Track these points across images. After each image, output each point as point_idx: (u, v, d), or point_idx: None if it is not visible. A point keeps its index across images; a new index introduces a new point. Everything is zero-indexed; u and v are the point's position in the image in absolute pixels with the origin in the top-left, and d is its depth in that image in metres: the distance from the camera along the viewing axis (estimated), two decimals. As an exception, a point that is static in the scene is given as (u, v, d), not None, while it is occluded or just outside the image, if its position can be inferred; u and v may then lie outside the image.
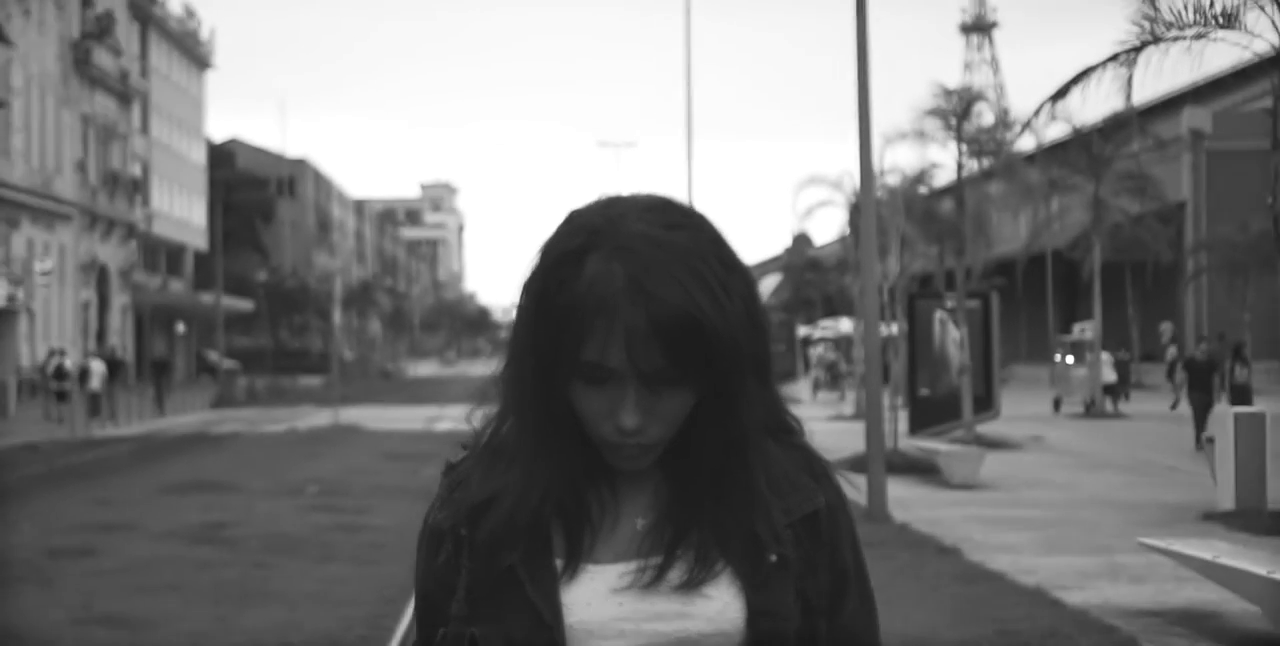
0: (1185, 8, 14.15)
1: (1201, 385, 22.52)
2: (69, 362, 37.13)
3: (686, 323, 1.62)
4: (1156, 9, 14.15)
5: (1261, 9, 13.83)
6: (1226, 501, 14.38)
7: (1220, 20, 14.02)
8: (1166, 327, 52.98)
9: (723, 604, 1.67)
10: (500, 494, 1.71)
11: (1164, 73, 13.97)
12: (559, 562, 1.69)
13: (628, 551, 1.70)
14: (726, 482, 1.70)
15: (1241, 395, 21.08)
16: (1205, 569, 8.57)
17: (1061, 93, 15.66)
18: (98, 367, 37.65)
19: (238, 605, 9.47)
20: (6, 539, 12.84)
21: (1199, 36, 14.16)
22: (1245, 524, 13.46)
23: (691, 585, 1.67)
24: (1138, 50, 14.11)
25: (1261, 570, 7.76)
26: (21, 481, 18.34)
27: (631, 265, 1.63)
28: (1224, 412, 15.07)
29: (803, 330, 64.09)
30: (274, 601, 9.61)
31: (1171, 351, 21.96)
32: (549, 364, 1.66)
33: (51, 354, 38.51)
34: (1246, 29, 13.92)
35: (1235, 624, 8.61)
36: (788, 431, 1.79)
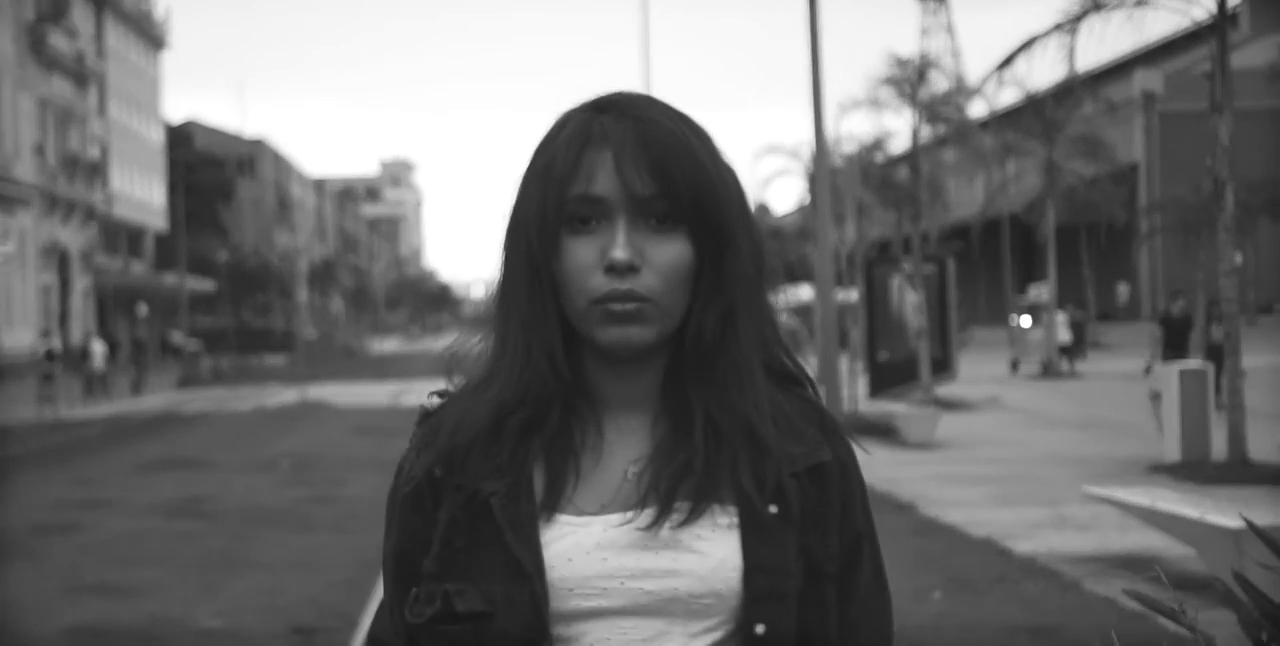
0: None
1: (1177, 343, 22.06)
2: (57, 344, 37.90)
3: (676, 142, 1.59)
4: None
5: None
6: (1173, 454, 14.89)
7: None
8: (1124, 290, 53.50)
9: (717, 560, 1.56)
10: (480, 406, 1.63)
11: (1107, 39, 14.32)
12: (539, 511, 1.59)
13: (615, 501, 1.60)
14: (721, 378, 1.61)
15: (1216, 354, 20.65)
16: (1145, 516, 9.02)
17: (1007, 61, 16.12)
18: (99, 348, 38.48)
19: (222, 573, 9.85)
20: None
21: (1139, 3, 14.60)
22: (1190, 475, 13.94)
23: (683, 539, 1.57)
24: (1080, 18, 14.54)
25: (1195, 514, 8.21)
26: (-2, 463, 18.64)
27: (618, 108, 1.63)
28: (1169, 369, 15.55)
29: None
30: (257, 569, 9.99)
31: (1180, 306, 21.39)
32: (537, 221, 1.60)
33: (44, 335, 39.21)
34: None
35: (1173, 566, 9.05)
36: (792, 380, 1.71)
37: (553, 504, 1.59)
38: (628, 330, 1.57)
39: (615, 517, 1.58)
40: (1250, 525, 4.62)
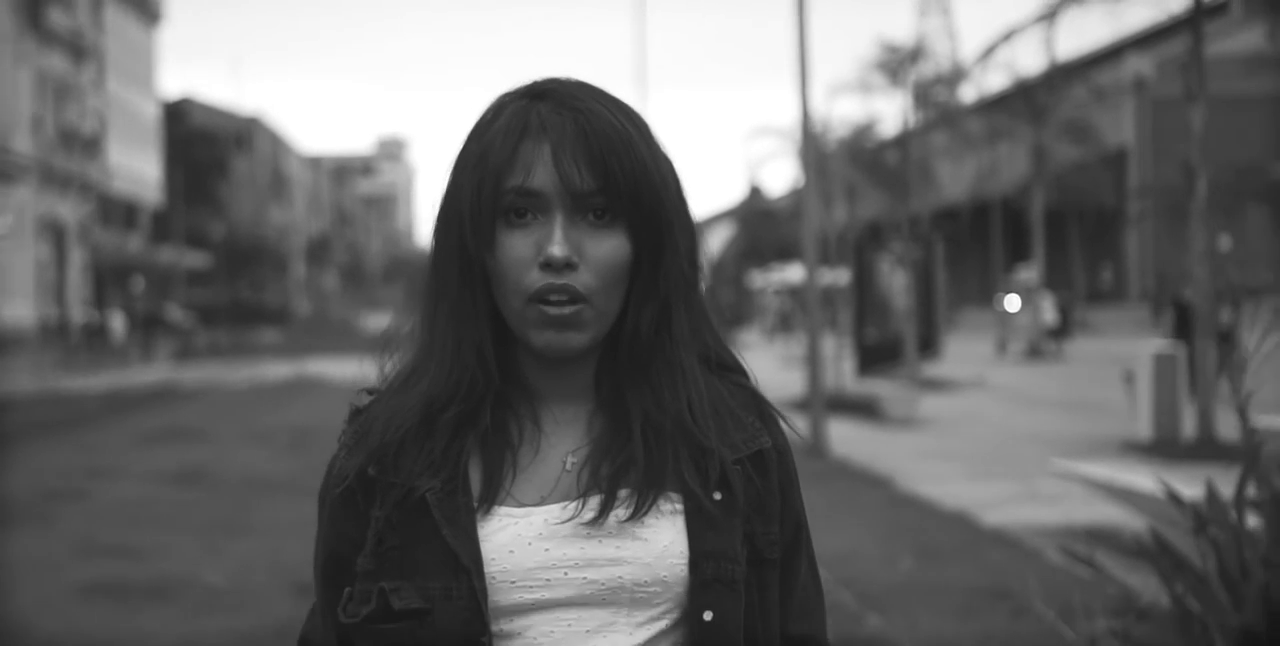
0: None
1: (1190, 327, 21.85)
2: (96, 317, 40.36)
3: (616, 136, 1.56)
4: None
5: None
6: (1145, 433, 15.37)
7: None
8: (1107, 273, 53.78)
9: (662, 547, 1.55)
10: (409, 402, 1.60)
11: (1088, 30, 14.75)
12: (476, 504, 1.56)
13: (555, 491, 1.58)
14: (656, 377, 1.60)
15: (1228, 339, 20.64)
16: (1105, 489, 9.48)
17: (988, 52, 16.57)
18: (119, 321, 40.25)
19: (226, 537, 10.30)
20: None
21: (1116, -3, 15.06)
22: (1162, 453, 14.38)
23: (626, 527, 1.55)
24: (1057, 10, 14.97)
25: (1147, 487, 8.65)
26: (1, 432, 19.06)
27: (556, 98, 1.59)
28: (1142, 351, 16.02)
29: (758, 279, 65.01)
30: (258, 533, 10.44)
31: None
32: (471, 213, 1.57)
33: (87, 308, 41.26)
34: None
35: (1131, 537, 9.53)
36: (729, 368, 1.69)
37: (491, 497, 1.56)
38: (564, 335, 1.55)
39: (556, 508, 1.56)
40: (1168, 491, 5.09)
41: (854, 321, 26.93)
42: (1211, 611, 4.12)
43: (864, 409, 19.72)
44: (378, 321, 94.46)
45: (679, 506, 1.57)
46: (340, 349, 48.84)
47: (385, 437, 1.57)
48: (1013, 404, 21.62)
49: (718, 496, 1.57)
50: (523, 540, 1.54)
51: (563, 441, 1.61)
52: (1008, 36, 15.92)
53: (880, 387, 20.93)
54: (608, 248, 1.55)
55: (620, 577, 1.54)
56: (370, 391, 1.67)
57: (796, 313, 50.09)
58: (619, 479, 1.56)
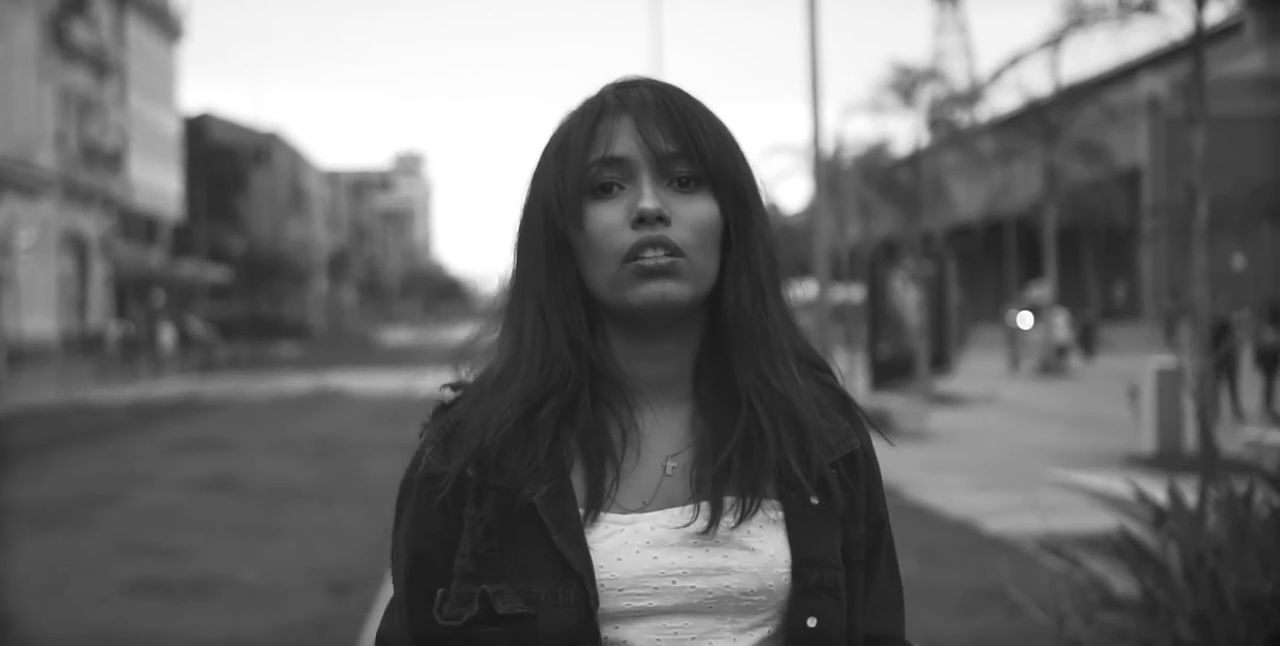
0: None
1: (1221, 345, 21.75)
2: (131, 329, 43.14)
3: (696, 105, 1.58)
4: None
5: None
6: (1148, 446, 15.75)
7: (1140, 7, 15.33)
8: (1121, 290, 54.04)
9: (768, 556, 1.54)
10: (505, 403, 1.56)
11: (1092, 54, 15.18)
12: (581, 510, 1.54)
13: (656, 497, 1.56)
14: (760, 351, 1.57)
15: (1270, 359, 20.70)
16: (1097, 497, 9.90)
17: (995, 76, 17.02)
18: (169, 334, 42.47)
19: (258, 539, 10.76)
20: (36, 489, 14.09)
21: (1120, 21, 15.47)
22: (1164, 465, 14.76)
23: (733, 536, 1.54)
24: (1062, 36, 15.42)
25: (1126, 492, 9.05)
26: (35, 441, 19.55)
27: (633, 83, 1.62)
28: (1145, 366, 16.41)
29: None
30: (289, 536, 10.90)
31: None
32: (556, 192, 1.56)
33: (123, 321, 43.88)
34: (1163, 14, 15.23)
35: (1107, 537, 9.95)
36: (818, 367, 1.66)
37: (596, 502, 1.54)
38: (664, 285, 1.52)
39: (662, 515, 1.55)
40: (1136, 491, 5.54)
41: (867, 337, 27.30)
42: (1172, 597, 4.54)
43: (875, 423, 20.10)
44: (395, 335, 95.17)
45: (779, 514, 1.56)
46: (359, 362, 49.34)
47: (484, 441, 1.54)
48: (1022, 419, 22.01)
49: (815, 501, 1.56)
50: (630, 548, 1.53)
51: (661, 444, 1.59)
52: (1014, 61, 16.36)
53: (892, 402, 21.33)
54: (697, 209, 1.55)
55: (728, 587, 1.53)
56: (455, 387, 1.64)
57: (810, 328, 50.39)
58: (721, 485, 1.55)
